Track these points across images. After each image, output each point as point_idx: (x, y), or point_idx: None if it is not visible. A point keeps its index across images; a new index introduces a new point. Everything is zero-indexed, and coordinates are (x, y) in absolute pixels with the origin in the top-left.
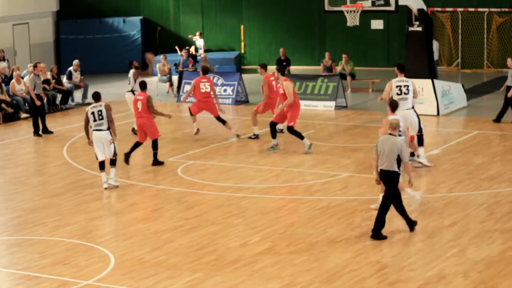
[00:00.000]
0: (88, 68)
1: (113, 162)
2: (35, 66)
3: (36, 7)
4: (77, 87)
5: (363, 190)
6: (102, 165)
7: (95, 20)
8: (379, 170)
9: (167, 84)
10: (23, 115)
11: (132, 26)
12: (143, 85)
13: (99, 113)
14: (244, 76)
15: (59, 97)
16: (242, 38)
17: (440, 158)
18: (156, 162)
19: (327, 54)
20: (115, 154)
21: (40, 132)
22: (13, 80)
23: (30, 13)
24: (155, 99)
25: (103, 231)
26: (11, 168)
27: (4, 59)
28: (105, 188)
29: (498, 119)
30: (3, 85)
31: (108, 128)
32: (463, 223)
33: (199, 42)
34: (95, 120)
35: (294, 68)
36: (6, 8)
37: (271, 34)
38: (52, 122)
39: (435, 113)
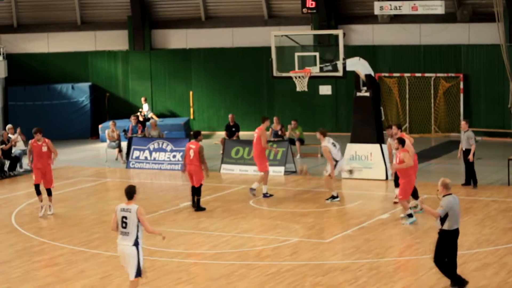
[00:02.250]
0: None
1: None
2: None
3: None
4: (25, 153)
5: (313, 255)
6: None
7: (44, 86)
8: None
9: (116, 150)
10: None
11: (80, 92)
12: (196, 134)
13: None
14: None
15: (7, 163)
16: (191, 104)
17: (389, 222)
18: (199, 208)
19: (275, 119)
20: None
21: None
22: None
23: None
24: (104, 165)
25: None
26: None
27: None
28: None
29: (475, 184)
30: None
31: None
32: (414, 287)
33: (145, 106)
34: None
35: (243, 134)
36: None
37: (220, 100)
38: (0, 188)
39: (384, 177)
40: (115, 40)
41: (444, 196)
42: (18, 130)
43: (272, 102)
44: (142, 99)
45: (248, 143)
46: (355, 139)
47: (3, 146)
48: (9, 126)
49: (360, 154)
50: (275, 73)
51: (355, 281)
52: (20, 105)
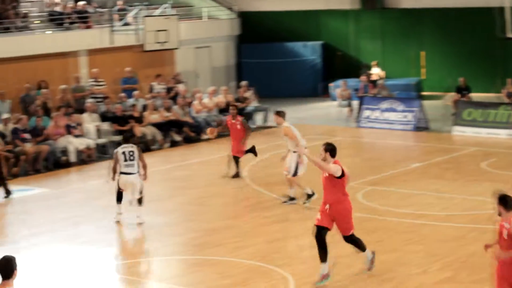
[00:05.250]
0: (268, 91)
1: (139, 201)
2: None
3: (218, 32)
4: (258, 109)
5: None
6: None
7: (276, 44)
8: None
9: (347, 109)
10: (204, 136)
11: (312, 51)
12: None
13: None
14: (424, 102)
15: None
16: (423, 64)
17: None
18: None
19: (509, 81)
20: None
21: None
22: (195, 102)
23: (212, 37)
24: (335, 124)
25: (283, 254)
26: (192, 189)
27: (180, 82)
28: (117, 222)
29: None
30: (186, 107)
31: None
32: None
33: (375, 70)
34: (125, 160)
35: (474, 95)
36: (190, 32)
37: (452, 60)
38: None
39: None
40: None
41: None
42: (252, 89)
43: (506, 63)
44: (374, 63)
45: (481, 105)
46: None
47: (238, 103)
48: (243, 83)
49: None
50: (509, 34)
51: None
52: (252, 63)
